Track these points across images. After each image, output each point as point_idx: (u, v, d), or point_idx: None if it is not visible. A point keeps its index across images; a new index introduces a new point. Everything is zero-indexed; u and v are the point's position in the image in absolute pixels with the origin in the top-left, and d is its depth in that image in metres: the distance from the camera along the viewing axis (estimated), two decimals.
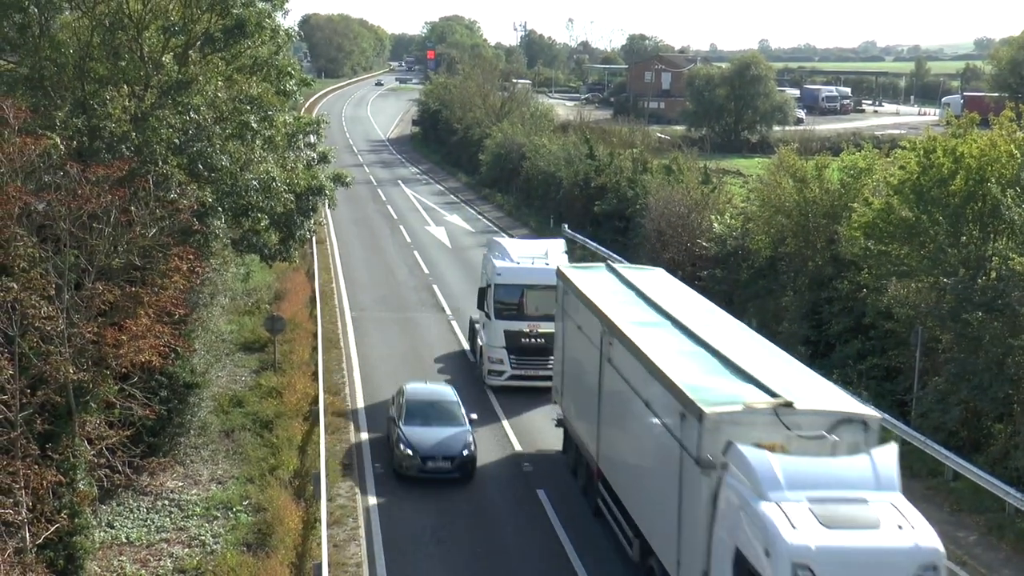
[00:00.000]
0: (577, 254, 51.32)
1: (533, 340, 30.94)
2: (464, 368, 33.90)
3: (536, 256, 32.47)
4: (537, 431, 28.65)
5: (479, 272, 47.64)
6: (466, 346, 35.81)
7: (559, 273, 27.06)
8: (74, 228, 19.09)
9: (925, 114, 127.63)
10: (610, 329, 21.72)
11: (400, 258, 51.37)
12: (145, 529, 22.03)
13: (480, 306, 32.14)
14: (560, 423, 26.68)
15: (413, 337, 37.26)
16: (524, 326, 31.01)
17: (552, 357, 29.04)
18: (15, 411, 17.32)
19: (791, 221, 35.34)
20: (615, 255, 47.43)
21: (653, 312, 22.45)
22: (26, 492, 17.16)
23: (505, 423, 29.04)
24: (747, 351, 19.66)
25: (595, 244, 50.32)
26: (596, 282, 25.20)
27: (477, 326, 33.26)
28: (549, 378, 29.45)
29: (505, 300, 31.38)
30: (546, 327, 29.95)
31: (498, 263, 32.03)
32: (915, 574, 14.51)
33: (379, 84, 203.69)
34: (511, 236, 57.43)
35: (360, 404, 30.27)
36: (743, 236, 38.83)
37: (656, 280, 25.80)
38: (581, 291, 24.35)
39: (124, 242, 20.11)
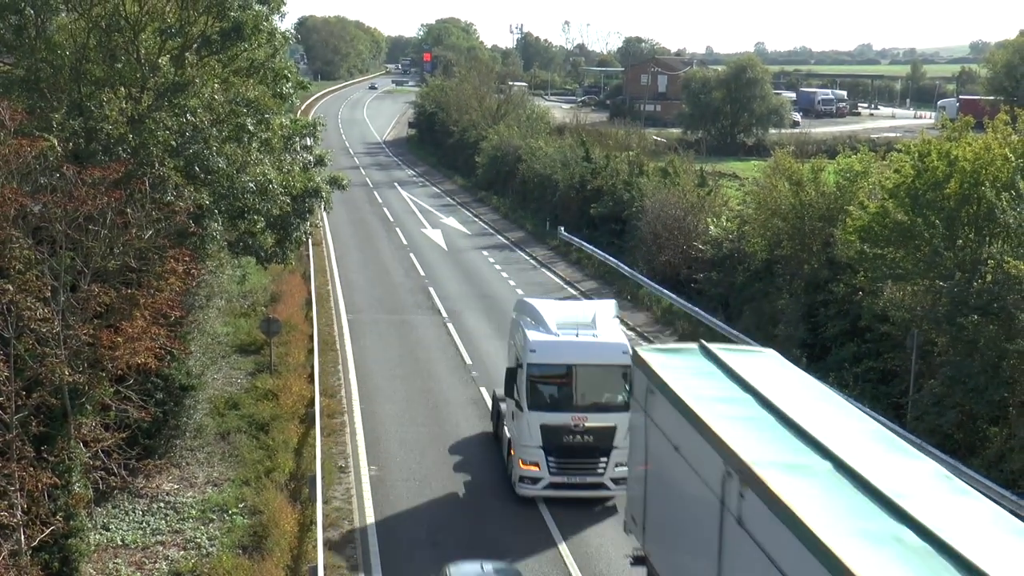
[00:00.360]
0: (573, 257, 51.55)
1: (580, 438, 23.50)
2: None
3: (581, 324, 24.51)
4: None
5: (473, 271, 47.79)
6: (465, 352, 35.79)
7: (637, 360, 20.00)
8: (70, 230, 19.12)
9: (921, 117, 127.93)
10: (740, 473, 14.27)
11: (396, 260, 51.36)
12: (141, 531, 22.02)
13: (509, 392, 24.43)
14: (639, 562, 19.65)
15: (409, 339, 37.26)
16: (568, 419, 23.41)
17: (604, 459, 23.42)
18: (11, 413, 17.32)
19: (787, 224, 35.41)
20: (611, 258, 47.51)
21: (801, 443, 14.96)
22: (21, 494, 17.17)
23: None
24: (985, 535, 12.31)
25: (591, 247, 50.36)
26: (695, 378, 18.13)
27: (502, 406, 26.33)
28: (600, 486, 23.65)
29: (542, 385, 23.75)
30: (597, 420, 23.43)
31: (532, 335, 24.03)
32: None
33: (373, 88, 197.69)
34: (506, 239, 57.70)
35: (356, 406, 30.24)
36: (739, 239, 38.92)
37: (776, 375, 18.36)
38: (678, 395, 17.15)
39: (120, 244, 20.13)
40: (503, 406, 26.23)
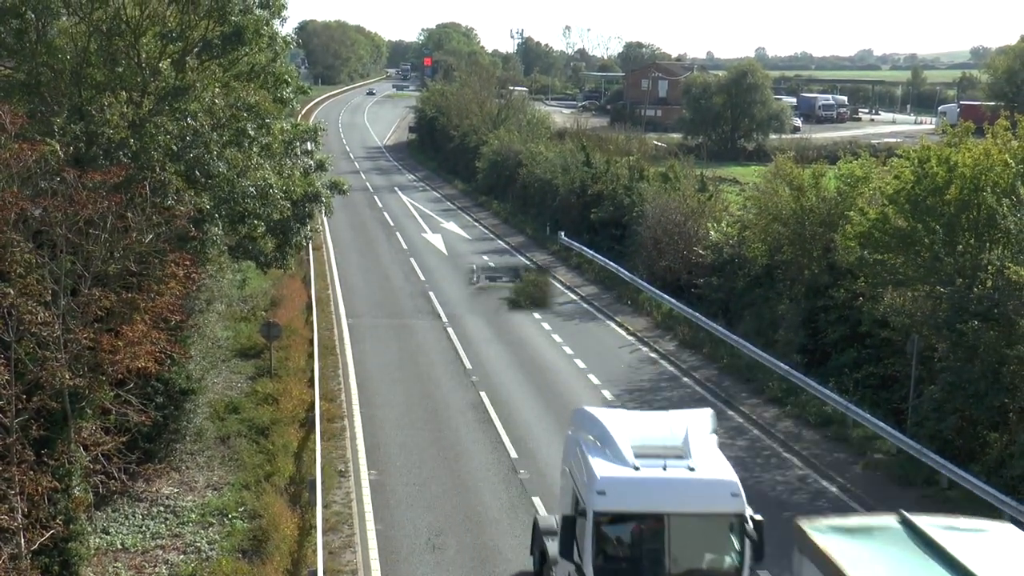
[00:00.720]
0: (573, 262, 51.55)
1: None
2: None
3: (668, 449, 16.86)
4: None
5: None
6: (465, 357, 35.75)
7: (806, 546, 13.94)
8: (70, 234, 19.14)
9: (922, 123, 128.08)
10: None
11: (396, 265, 51.37)
12: (140, 535, 22.02)
13: (566, 551, 16.36)
14: None
15: (409, 344, 37.25)
16: None
17: None
18: (11, 417, 17.32)
19: (787, 229, 35.40)
20: (612, 263, 47.47)
21: None
22: (21, 498, 17.17)
23: None
24: None
25: (592, 252, 50.34)
26: None
27: (549, 545, 18.63)
28: None
29: (616, 543, 16.26)
30: None
31: (599, 468, 16.38)
32: None
33: (371, 93, 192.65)
34: (506, 243, 57.66)
35: (356, 410, 30.24)
36: (739, 244, 38.90)
37: None
38: None
39: (120, 248, 20.14)
40: (551, 547, 18.43)
